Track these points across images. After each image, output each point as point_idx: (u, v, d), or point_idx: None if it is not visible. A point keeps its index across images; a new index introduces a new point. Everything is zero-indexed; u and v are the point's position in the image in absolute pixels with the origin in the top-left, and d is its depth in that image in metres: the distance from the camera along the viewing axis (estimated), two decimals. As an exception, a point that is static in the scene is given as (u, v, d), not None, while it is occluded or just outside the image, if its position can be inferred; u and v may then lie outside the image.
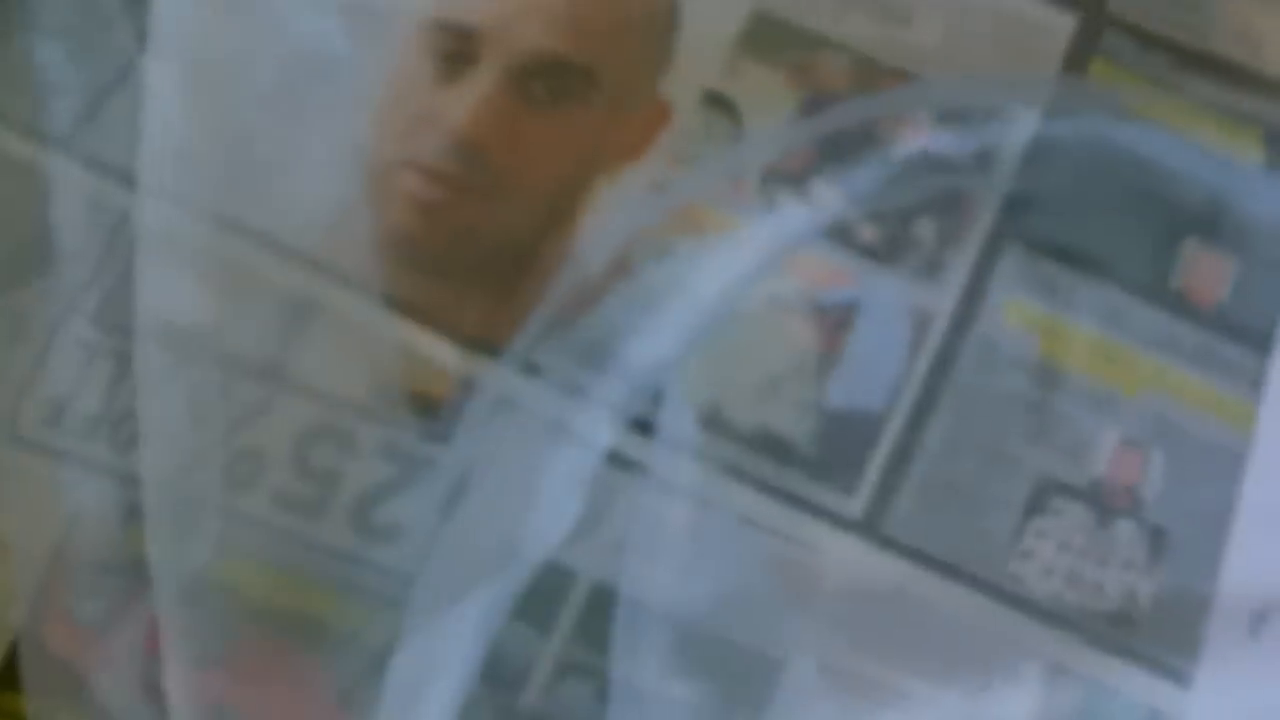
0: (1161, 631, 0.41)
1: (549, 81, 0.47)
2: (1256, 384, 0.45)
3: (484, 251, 0.46)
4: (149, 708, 0.41)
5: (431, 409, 0.43)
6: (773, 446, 0.43)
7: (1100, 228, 0.46)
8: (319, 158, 0.47)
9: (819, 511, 0.42)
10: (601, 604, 0.41)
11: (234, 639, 0.41)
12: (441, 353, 0.44)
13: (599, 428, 0.42)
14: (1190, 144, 0.47)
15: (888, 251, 0.45)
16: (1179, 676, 0.41)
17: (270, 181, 0.46)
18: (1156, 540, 0.43)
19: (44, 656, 0.42)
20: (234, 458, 0.43)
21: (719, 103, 0.47)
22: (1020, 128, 0.46)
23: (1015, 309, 0.45)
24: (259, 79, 0.47)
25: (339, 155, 0.47)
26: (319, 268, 0.45)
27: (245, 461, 0.43)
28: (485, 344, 0.44)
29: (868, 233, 0.45)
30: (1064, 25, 0.49)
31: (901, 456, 0.43)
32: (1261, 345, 0.45)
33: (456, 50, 0.47)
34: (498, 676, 0.40)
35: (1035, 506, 0.43)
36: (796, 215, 0.45)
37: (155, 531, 0.42)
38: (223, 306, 0.44)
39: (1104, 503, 0.43)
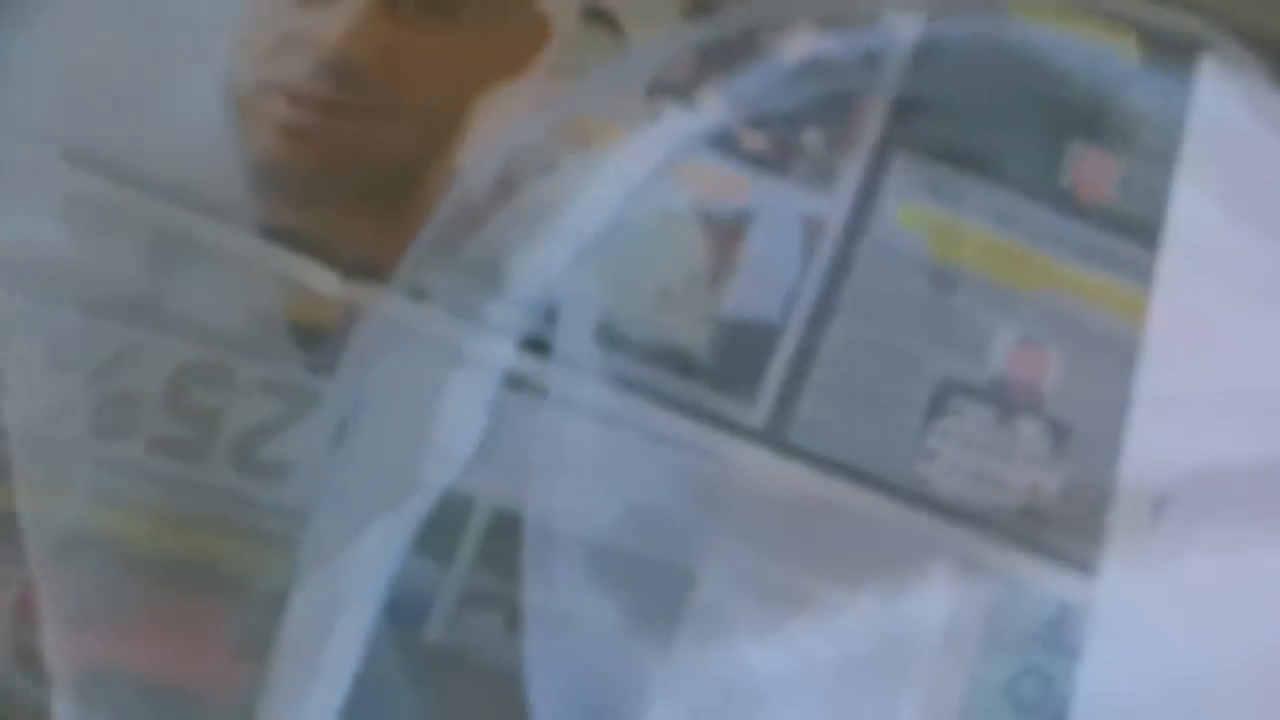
0: (1067, 524, 0.42)
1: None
2: (1146, 276, 0.45)
3: (363, 176, 0.44)
4: (24, 675, 0.38)
5: (316, 340, 0.41)
6: (671, 359, 0.42)
7: (988, 129, 0.46)
8: (180, 84, 0.44)
9: (722, 422, 0.41)
10: (503, 530, 0.40)
11: (117, 593, 0.39)
12: (324, 281, 0.42)
13: (495, 350, 0.40)
14: (1072, 43, 0.47)
15: (778, 160, 0.44)
16: (1085, 567, 0.41)
17: (129, 110, 0.44)
18: (1058, 434, 0.43)
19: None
20: (104, 403, 0.41)
21: (598, 15, 0.46)
22: (906, 30, 0.46)
23: (908, 212, 0.44)
24: (110, 9, 0.45)
25: (201, 81, 0.44)
26: (187, 199, 0.43)
27: (117, 406, 0.41)
28: (369, 270, 0.42)
29: (757, 141, 0.45)
30: (943, -73, 0.48)
31: (801, 364, 0.42)
32: (1149, 238, 0.46)
33: (322, -32, 0.45)
34: (400, 611, 0.39)
35: (937, 407, 0.42)
36: (683, 124, 0.44)
37: (23, 485, 0.39)
38: (83, 244, 0.42)
39: (1005, 400, 0.43)
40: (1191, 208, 0.46)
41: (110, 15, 0.45)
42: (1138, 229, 0.46)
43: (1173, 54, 0.48)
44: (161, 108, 0.44)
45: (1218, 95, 0.47)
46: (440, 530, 0.39)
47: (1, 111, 0.43)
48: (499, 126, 0.44)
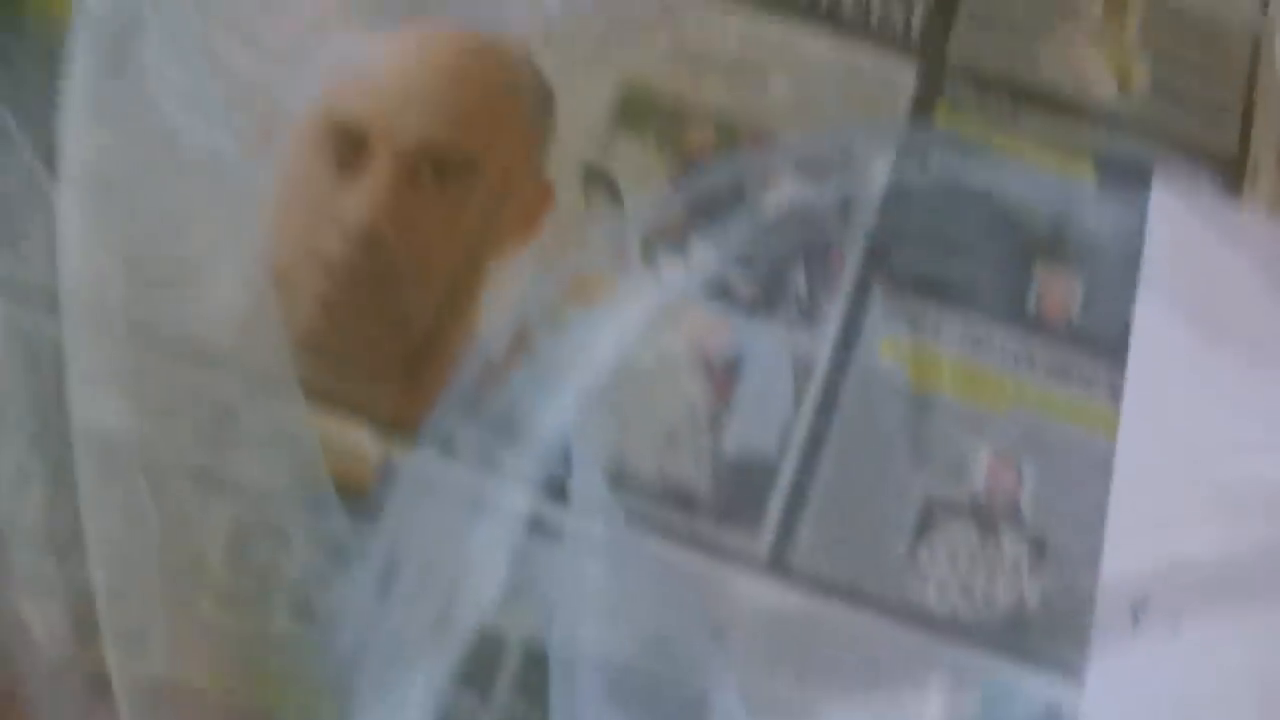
0: (1051, 631, 0.45)
1: (436, 169, 0.49)
2: (1114, 390, 0.49)
3: (392, 339, 0.48)
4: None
5: (358, 494, 0.45)
6: (677, 496, 0.46)
7: (957, 260, 0.50)
8: (223, 263, 0.49)
9: (727, 553, 0.45)
10: (535, 662, 0.44)
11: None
12: (361, 439, 0.46)
13: (515, 498, 0.45)
14: (1030, 173, 0.51)
15: (766, 304, 0.49)
16: (1071, 671, 0.44)
17: (180, 291, 0.48)
18: (1038, 545, 0.46)
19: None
20: (173, 561, 0.45)
21: (598, 177, 0.50)
22: (875, 174, 0.50)
23: (888, 344, 0.48)
24: (158, 193, 0.49)
25: (243, 259, 0.49)
26: (235, 369, 0.47)
27: (185, 564, 0.45)
28: (402, 427, 0.46)
29: (746, 287, 0.49)
30: (907, 74, 0.53)
31: (798, 494, 0.46)
32: (1115, 354, 0.49)
33: (347, 146, 0.50)
34: (443, 742, 0.43)
35: (924, 526, 0.46)
36: (677, 276, 0.48)
37: (110, 641, 0.43)
38: (147, 415, 0.46)
39: (986, 515, 0.47)
40: (1154, 321, 0.49)
41: (159, 204, 0.49)
42: (1103, 345, 0.49)
43: (1126, 176, 0.51)
44: (209, 285, 0.48)
45: (1171, 212, 0.51)
46: (479, 665, 0.43)
47: (75, 299, 0.47)
48: (512, 288, 0.48)
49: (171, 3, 0.50)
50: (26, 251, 0.48)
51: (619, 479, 0.46)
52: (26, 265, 0.48)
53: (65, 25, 0.50)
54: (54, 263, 0.47)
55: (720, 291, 0.49)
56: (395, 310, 0.48)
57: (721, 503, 0.46)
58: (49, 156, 0.49)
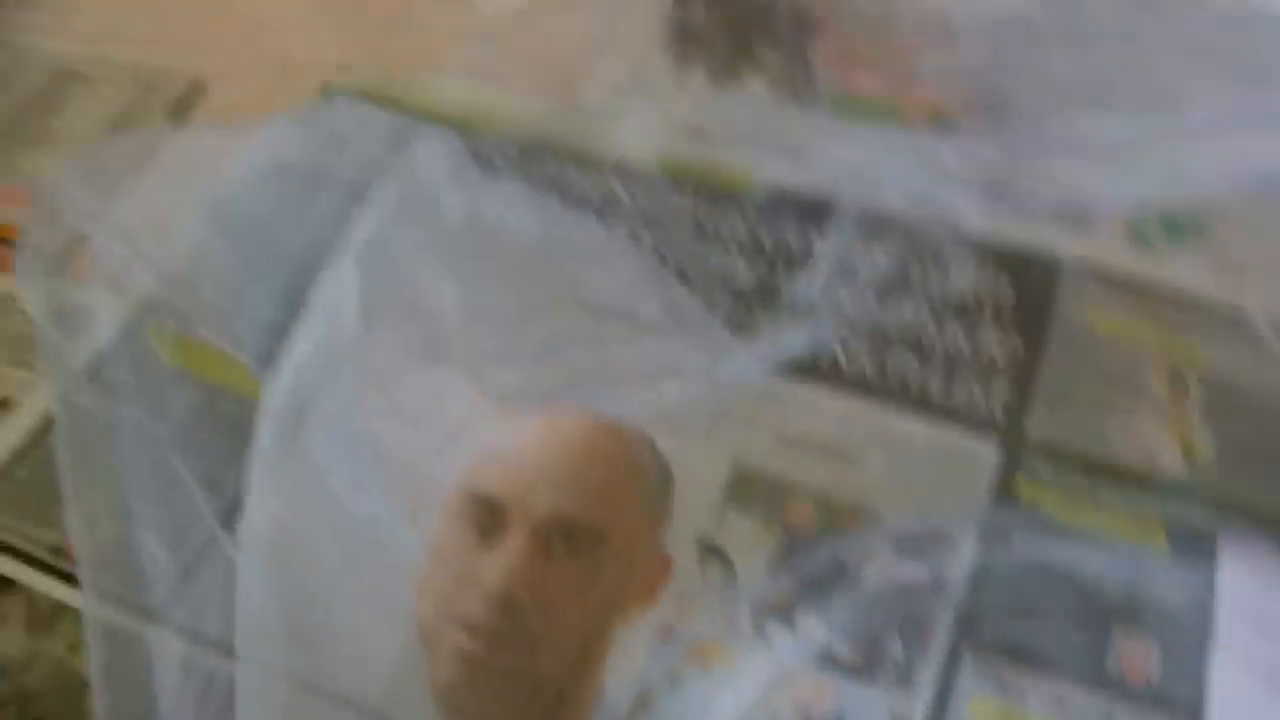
0: None
1: (567, 540, 0.56)
2: (1196, 751, 0.53)
3: (526, 696, 0.54)
4: None
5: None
6: None
7: (1040, 628, 0.54)
8: (375, 622, 0.55)
9: None
10: None
11: None
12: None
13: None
14: (1105, 544, 0.56)
15: (866, 669, 0.54)
16: None
17: (337, 646, 0.55)
18: None
19: None
20: None
21: (711, 550, 0.56)
22: (964, 554, 0.55)
23: (978, 705, 0.53)
24: (324, 558, 0.56)
25: (392, 618, 0.55)
26: (383, 718, 0.53)
27: None
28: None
29: (848, 655, 0.54)
30: (990, 452, 0.59)
31: None
32: (1194, 713, 0.53)
33: (488, 517, 0.56)
34: None
35: None
36: (786, 645, 0.53)
37: None
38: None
39: None
40: (1229, 681, 0.53)
41: (324, 568, 0.56)
42: (1181, 706, 0.53)
43: (1196, 543, 0.56)
44: (362, 641, 0.55)
45: (1240, 575, 0.55)
46: None
47: (247, 650, 0.54)
48: (634, 650, 0.54)
49: (341, 393, 0.58)
50: (206, 602, 0.55)
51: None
52: (204, 614, 0.55)
53: (254, 406, 0.58)
54: (227, 612, 0.54)
55: (825, 660, 0.54)
56: (530, 669, 0.54)
57: None
58: (228, 520, 0.57)
